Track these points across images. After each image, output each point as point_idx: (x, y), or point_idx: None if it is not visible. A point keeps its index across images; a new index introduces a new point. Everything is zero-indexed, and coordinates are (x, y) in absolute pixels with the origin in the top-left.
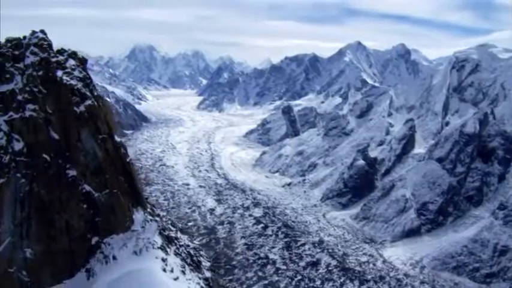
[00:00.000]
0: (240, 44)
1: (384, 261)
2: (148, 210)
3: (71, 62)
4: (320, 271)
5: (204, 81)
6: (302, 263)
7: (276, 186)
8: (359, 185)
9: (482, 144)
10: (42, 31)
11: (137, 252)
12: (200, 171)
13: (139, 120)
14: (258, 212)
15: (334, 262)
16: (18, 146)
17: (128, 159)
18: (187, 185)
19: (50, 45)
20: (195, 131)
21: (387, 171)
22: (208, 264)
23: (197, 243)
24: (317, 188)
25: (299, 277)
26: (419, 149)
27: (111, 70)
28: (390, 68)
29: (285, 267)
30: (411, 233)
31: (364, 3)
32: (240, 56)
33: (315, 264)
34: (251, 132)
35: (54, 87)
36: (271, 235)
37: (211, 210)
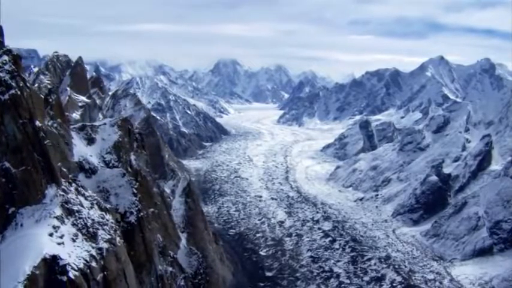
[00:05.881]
0: (323, 58)
1: (451, 280)
2: (63, 187)
3: (4, 58)
4: (384, 287)
5: (286, 96)
6: (366, 278)
7: (348, 201)
8: (431, 202)
9: None
10: None
11: (38, 220)
12: (274, 183)
13: (219, 132)
14: (327, 226)
15: (399, 278)
16: None
17: (45, 142)
18: (260, 197)
19: None
20: (272, 145)
21: (461, 188)
22: (108, 237)
23: (263, 254)
24: (389, 204)
25: None
26: (496, 165)
27: (194, 84)
28: (473, 83)
29: (348, 281)
30: (482, 252)
31: (449, 18)
32: (323, 71)
33: (379, 279)
34: (328, 146)
35: None
36: (338, 249)
37: (281, 223)
